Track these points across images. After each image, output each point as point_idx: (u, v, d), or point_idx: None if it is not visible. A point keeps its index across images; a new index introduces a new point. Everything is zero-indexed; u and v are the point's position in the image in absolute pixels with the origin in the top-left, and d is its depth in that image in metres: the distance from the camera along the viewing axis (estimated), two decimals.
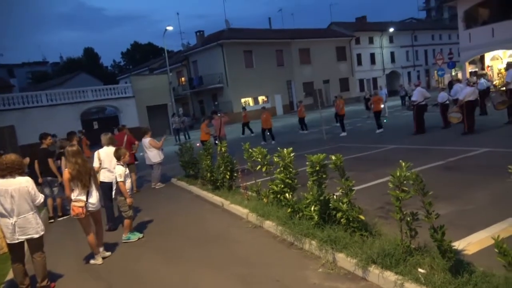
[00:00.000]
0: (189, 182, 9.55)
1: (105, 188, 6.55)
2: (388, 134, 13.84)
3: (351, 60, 43.52)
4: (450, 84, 16.41)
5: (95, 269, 5.06)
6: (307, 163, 4.72)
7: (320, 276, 3.96)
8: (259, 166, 6.26)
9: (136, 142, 9.76)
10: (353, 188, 4.35)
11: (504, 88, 12.11)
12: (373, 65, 45.90)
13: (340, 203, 4.34)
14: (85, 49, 66.76)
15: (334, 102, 17.62)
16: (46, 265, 4.54)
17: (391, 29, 42.57)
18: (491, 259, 3.09)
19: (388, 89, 35.41)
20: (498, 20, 22.51)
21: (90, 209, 5.12)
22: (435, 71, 40.06)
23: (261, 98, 36.59)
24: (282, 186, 5.51)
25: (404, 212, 3.55)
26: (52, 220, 7.92)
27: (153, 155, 9.90)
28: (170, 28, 31.49)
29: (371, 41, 45.63)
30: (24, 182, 4.30)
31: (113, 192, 6.05)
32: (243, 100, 34.72)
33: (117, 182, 5.75)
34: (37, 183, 6.20)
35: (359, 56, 44.45)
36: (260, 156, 6.17)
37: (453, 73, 31.28)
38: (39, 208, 4.69)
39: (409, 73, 48.67)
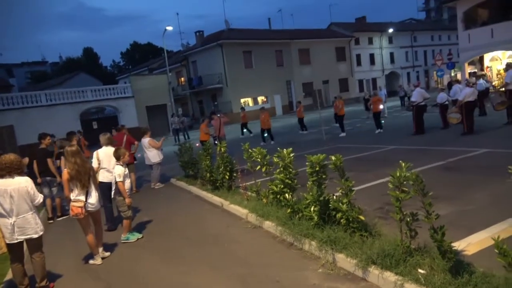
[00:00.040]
0: (188, 182, 9.54)
1: (104, 188, 6.53)
2: (388, 135, 13.84)
3: (351, 61, 43.55)
4: (450, 85, 16.43)
5: (94, 269, 5.05)
6: (306, 163, 4.71)
7: (320, 276, 3.95)
8: (258, 166, 6.26)
9: (136, 142, 9.75)
10: (353, 189, 4.35)
11: (503, 89, 12.13)
12: (373, 66, 45.95)
13: (340, 204, 4.34)
14: (85, 49, 66.79)
15: (333, 103, 17.60)
16: (45, 265, 4.53)
17: (391, 30, 42.63)
18: (491, 260, 3.09)
19: (387, 90, 35.46)
20: (497, 21, 22.54)
21: (89, 209, 5.11)
22: (435, 72, 40.17)
23: (260, 99, 36.60)
24: (282, 186, 5.51)
25: (404, 213, 3.55)
26: (51, 221, 7.91)
27: (153, 155, 9.89)
28: (169, 28, 31.47)
29: (370, 41, 45.68)
30: (23, 182, 4.29)
31: (112, 192, 6.04)
32: (242, 100, 34.72)
33: (116, 182, 5.74)
34: (36, 183, 6.18)
35: (358, 56, 44.50)
36: (259, 156, 6.17)
37: (452, 74, 31.33)
38: (38, 208, 4.68)
39: (408, 73, 48.72)
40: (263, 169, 6.14)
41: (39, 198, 4.44)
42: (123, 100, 29.80)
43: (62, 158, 7.45)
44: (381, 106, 15.07)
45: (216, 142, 12.31)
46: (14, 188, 4.20)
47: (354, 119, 22.00)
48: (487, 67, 26.47)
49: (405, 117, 18.03)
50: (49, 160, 7.75)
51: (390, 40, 47.05)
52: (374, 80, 45.54)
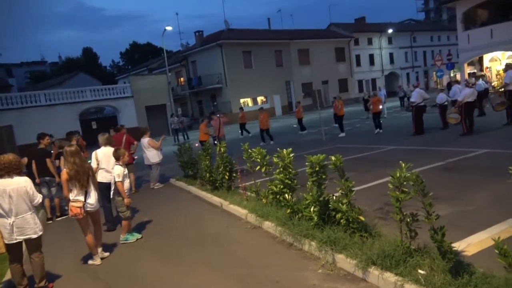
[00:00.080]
0: (188, 182, 9.53)
1: (103, 189, 6.51)
2: (387, 135, 13.85)
3: (350, 61, 43.58)
4: (449, 85, 16.43)
5: (93, 270, 5.03)
6: (306, 163, 4.70)
7: (319, 277, 3.95)
8: (258, 167, 6.25)
9: (135, 142, 9.73)
10: (352, 189, 4.34)
11: (503, 89, 12.13)
12: (372, 66, 45.99)
13: (340, 204, 4.33)
14: (84, 49, 66.74)
15: (333, 103, 17.59)
16: (44, 265, 4.52)
17: (390, 30, 42.67)
18: (491, 260, 3.08)
19: (387, 90, 35.44)
20: (496, 21, 22.58)
21: (88, 209, 5.10)
22: (434, 72, 40.23)
23: (260, 99, 36.60)
24: (282, 186, 5.50)
25: (404, 213, 3.54)
26: (50, 221, 7.89)
27: (152, 155, 9.88)
28: (169, 28, 31.45)
29: (370, 42, 45.72)
30: (23, 182, 4.28)
31: (111, 192, 6.03)
32: (242, 100, 34.72)
33: (115, 182, 5.73)
34: (34, 183, 6.17)
35: (358, 57, 44.53)
36: (259, 156, 6.16)
37: (451, 74, 31.33)
38: (37, 208, 4.67)
39: (408, 74, 48.77)
40: (263, 169, 6.14)
41: (38, 198, 4.42)
42: (123, 100, 29.79)
43: (62, 158, 7.43)
44: (381, 107, 15.09)
45: (215, 142, 12.30)
46: (13, 188, 4.19)
47: (354, 119, 22.01)
48: (487, 67, 26.50)
49: (404, 118, 18.04)
50: (48, 160, 7.73)
51: (390, 41, 47.09)
52: (373, 81, 45.58)
